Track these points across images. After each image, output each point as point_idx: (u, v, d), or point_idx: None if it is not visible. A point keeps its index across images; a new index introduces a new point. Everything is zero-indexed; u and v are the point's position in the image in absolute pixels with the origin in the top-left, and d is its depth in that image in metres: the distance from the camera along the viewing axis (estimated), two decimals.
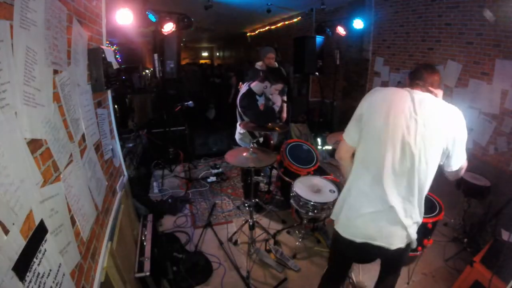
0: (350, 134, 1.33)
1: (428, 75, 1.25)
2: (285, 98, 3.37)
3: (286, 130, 3.49)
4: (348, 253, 1.41)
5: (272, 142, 3.24)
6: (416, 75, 1.29)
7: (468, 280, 1.81)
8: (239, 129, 2.84)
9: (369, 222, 1.22)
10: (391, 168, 1.16)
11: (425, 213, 1.33)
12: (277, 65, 3.33)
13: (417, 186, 1.16)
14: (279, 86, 2.56)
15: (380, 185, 1.17)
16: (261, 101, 2.67)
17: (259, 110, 2.59)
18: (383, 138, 1.17)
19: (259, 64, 3.29)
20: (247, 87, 2.62)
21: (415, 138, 1.13)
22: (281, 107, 3.32)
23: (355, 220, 1.25)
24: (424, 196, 1.22)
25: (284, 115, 3.47)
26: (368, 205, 1.21)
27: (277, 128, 2.44)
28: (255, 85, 2.59)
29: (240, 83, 3.30)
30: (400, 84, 3.75)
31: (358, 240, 1.25)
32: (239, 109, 2.68)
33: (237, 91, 3.18)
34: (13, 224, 0.69)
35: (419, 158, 1.13)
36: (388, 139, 1.16)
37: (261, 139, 2.91)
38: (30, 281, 0.72)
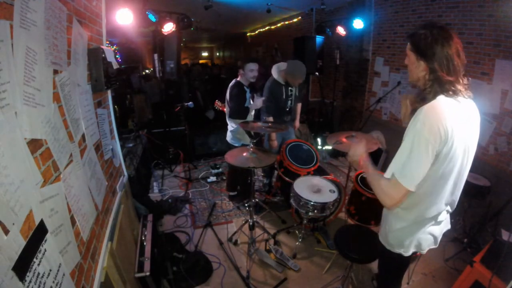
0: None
1: None
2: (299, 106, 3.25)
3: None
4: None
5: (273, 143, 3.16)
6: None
7: (468, 280, 1.80)
8: (231, 128, 2.89)
9: None
10: None
11: None
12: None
13: None
14: (253, 65, 2.69)
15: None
16: (248, 95, 2.78)
17: (241, 105, 2.72)
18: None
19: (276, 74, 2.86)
20: (235, 81, 2.78)
21: None
22: (295, 113, 3.20)
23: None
24: None
25: (297, 123, 3.28)
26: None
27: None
28: (239, 78, 2.77)
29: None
30: (400, 84, 3.76)
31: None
32: (227, 96, 2.78)
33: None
34: (13, 224, 0.69)
35: None
36: None
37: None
38: (30, 281, 0.72)
